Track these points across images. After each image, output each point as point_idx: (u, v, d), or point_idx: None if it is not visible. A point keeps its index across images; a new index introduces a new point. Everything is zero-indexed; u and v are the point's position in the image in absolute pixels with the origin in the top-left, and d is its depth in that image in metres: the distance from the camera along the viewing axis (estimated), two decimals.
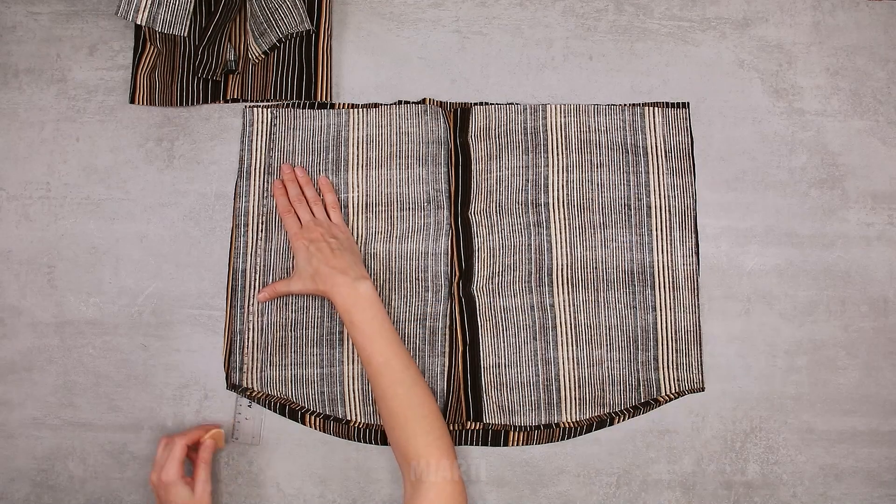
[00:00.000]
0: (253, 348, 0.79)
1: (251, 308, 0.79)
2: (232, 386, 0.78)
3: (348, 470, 0.78)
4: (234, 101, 0.84)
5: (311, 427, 0.78)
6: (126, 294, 0.81)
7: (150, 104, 0.84)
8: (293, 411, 0.78)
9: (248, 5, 0.84)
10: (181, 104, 0.83)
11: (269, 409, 0.78)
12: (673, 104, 0.84)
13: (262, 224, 0.81)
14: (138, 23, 0.78)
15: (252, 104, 0.84)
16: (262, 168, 0.82)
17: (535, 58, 0.86)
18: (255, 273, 0.80)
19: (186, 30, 0.81)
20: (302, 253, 0.75)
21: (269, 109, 0.83)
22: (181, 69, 0.83)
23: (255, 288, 0.80)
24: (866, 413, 0.80)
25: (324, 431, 0.78)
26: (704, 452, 0.79)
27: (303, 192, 0.80)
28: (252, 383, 0.78)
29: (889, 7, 0.87)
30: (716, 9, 0.87)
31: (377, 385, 0.70)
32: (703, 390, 0.79)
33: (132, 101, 0.84)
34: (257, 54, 0.84)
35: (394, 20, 0.86)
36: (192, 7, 0.81)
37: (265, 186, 0.82)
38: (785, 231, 0.82)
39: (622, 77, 0.85)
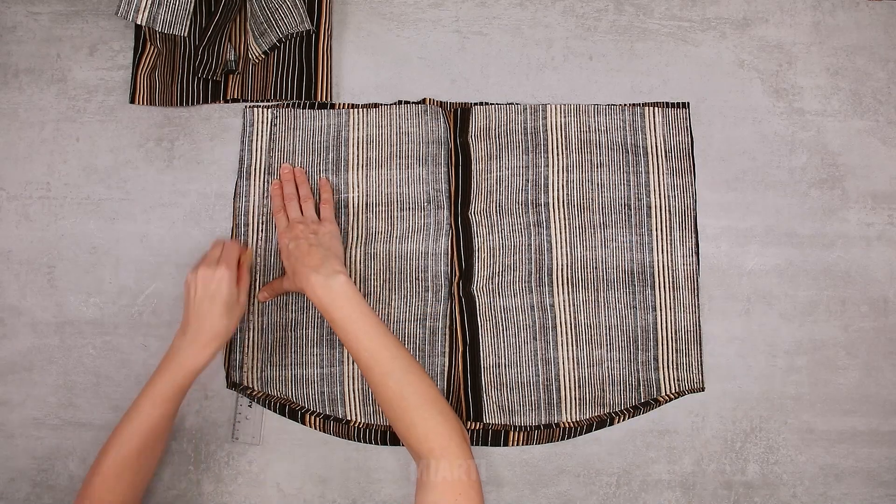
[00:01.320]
0: (253, 348, 0.79)
1: (251, 308, 0.79)
2: (232, 384, 0.78)
3: (348, 470, 0.78)
4: (234, 101, 0.84)
5: (311, 427, 0.78)
6: (126, 294, 0.81)
7: (150, 104, 0.84)
8: (293, 411, 0.78)
9: (248, 5, 0.84)
10: (181, 104, 0.83)
11: (269, 408, 0.78)
12: (673, 104, 0.84)
13: (262, 224, 0.81)
14: (138, 23, 0.79)
15: (252, 104, 0.84)
16: (263, 168, 0.82)
17: (535, 58, 0.86)
18: (256, 273, 0.80)
19: (186, 30, 0.81)
20: (284, 251, 0.75)
21: (269, 109, 0.83)
22: (181, 69, 0.84)
23: (255, 288, 0.80)
24: (866, 413, 0.80)
25: (324, 431, 0.78)
26: (704, 452, 0.79)
27: (297, 191, 0.80)
28: (252, 383, 0.78)
29: (889, 7, 0.87)
30: (716, 9, 0.87)
31: (370, 380, 0.68)
32: (703, 390, 0.79)
33: (132, 101, 0.84)
34: (257, 54, 0.84)
35: (394, 20, 0.86)
36: (192, 7, 0.81)
37: (266, 187, 0.82)
38: (785, 231, 0.82)
39: (622, 77, 0.85)
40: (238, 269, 0.73)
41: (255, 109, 0.83)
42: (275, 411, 0.78)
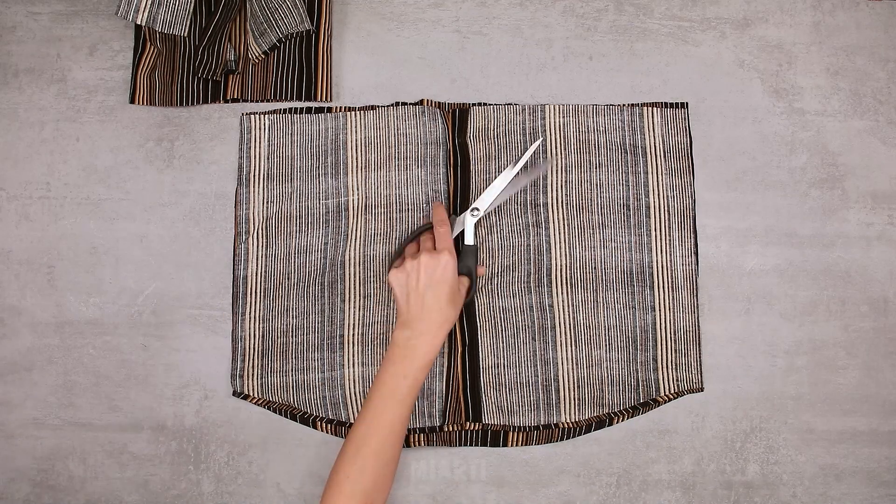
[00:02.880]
0: (252, 355, 0.79)
1: (252, 314, 0.79)
2: (235, 393, 0.78)
3: None
4: (234, 101, 0.84)
5: (322, 431, 0.78)
6: (126, 294, 0.81)
7: (150, 104, 0.84)
8: (304, 418, 0.78)
9: (248, 5, 0.84)
10: (181, 104, 0.83)
11: (278, 413, 0.78)
12: (671, 104, 0.84)
13: (262, 230, 0.81)
14: (138, 23, 0.79)
15: (250, 111, 0.84)
16: (262, 174, 0.82)
17: (535, 58, 0.86)
18: (256, 279, 0.80)
19: (186, 30, 0.81)
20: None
21: (266, 115, 0.83)
22: (181, 69, 0.84)
23: (255, 294, 0.80)
24: (866, 413, 0.80)
25: (335, 435, 0.78)
26: (704, 452, 0.79)
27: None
28: (252, 390, 0.78)
29: (889, 7, 0.87)
30: (716, 9, 0.87)
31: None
32: (701, 390, 0.79)
33: (132, 101, 0.84)
34: (257, 54, 0.84)
35: (394, 20, 0.86)
36: (192, 7, 0.81)
37: (266, 193, 0.81)
38: (785, 231, 0.82)
39: (622, 77, 0.85)
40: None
41: (253, 116, 0.83)
42: (284, 416, 0.78)
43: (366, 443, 0.64)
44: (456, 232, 0.71)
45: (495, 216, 0.80)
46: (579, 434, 0.78)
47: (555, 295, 0.79)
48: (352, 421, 0.77)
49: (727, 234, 0.82)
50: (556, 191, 0.81)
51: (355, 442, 0.64)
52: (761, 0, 0.87)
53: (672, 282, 0.80)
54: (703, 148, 0.84)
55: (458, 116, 0.83)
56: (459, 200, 0.81)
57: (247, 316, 0.79)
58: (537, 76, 0.85)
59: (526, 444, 0.78)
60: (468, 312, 0.78)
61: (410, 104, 0.83)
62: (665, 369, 0.79)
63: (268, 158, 0.83)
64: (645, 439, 0.79)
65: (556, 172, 0.81)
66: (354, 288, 0.79)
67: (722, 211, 0.83)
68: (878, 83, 0.85)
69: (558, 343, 0.78)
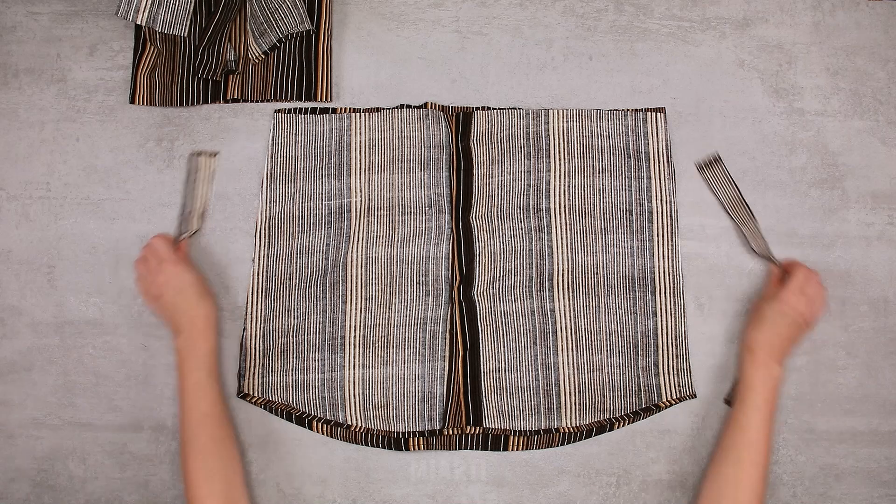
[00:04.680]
0: (253, 355, 0.79)
1: (251, 314, 0.79)
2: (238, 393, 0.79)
3: (348, 470, 0.78)
4: (234, 101, 0.84)
5: (318, 433, 0.78)
6: (126, 294, 0.81)
7: (150, 104, 0.84)
8: (300, 418, 0.78)
9: (248, 5, 0.84)
10: (181, 104, 0.83)
11: (275, 414, 0.78)
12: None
13: (266, 229, 0.81)
14: (138, 23, 0.79)
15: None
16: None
17: (535, 58, 0.86)
18: (259, 279, 0.80)
19: (186, 30, 0.81)
20: None
21: (292, 113, 0.83)
22: (181, 69, 0.84)
23: (257, 294, 0.80)
24: (866, 413, 0.80)
25: (331, 436, 0.78)
26: (704, 452, 0.79)
27: None
28: (252, 389, 0.78)
29: (889, 7, 0.87)
30: (716, 9, 0.87)
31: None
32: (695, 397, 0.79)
33: (132, 101, 0.84)
34: (257, 54, 0.84)
35: (394, 20, 0.86)
36: (192, 7, 0.81)
37: (268, 192, 0.82)
38: (785, 231, 0.82)
39: (622, 77, 0.85)
40: (177, 254, 0.75)
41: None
42: (281, 417, 0.78)
43: (196, 438, 0.69)
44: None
45: (498, 220, 0.80)
46: (580, 439, 0.78)
47: (556, 300, 0.79)
48: (350, 423, 0.77)
49: (727, 234, 0.82)
50: (559, 195, 0.81)
51: (187, 445, 0.69)
52: (761, 0, 0.87)
53: (674, 287, 0.80)
54: (702, 148, 0.84)
55: (461, 120, 0.83)
56: (462, 204, 0.81)
57: (248, 315, 0.79)
58: (537, 76, 0.85)
59: (526, 449, 0.78)
60: (469, 316, 0.78)
61: (414, 107, 0.83)
62: (666, 374, 0.79)
63: (271, 158, 0.83)
64: (645, 439, 0.79)
65: (560, 177, 0.81)
66: (356, 290, 0.79)
67: (722, 211, 0.83)
68: (878, 83, 0.85)
69: (560, 347, 0.78)
